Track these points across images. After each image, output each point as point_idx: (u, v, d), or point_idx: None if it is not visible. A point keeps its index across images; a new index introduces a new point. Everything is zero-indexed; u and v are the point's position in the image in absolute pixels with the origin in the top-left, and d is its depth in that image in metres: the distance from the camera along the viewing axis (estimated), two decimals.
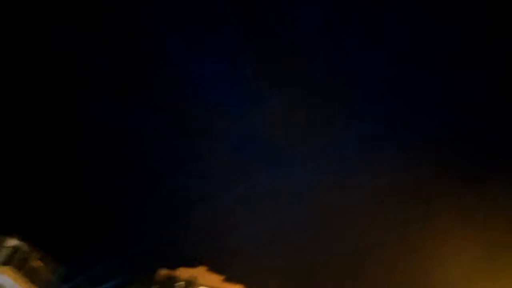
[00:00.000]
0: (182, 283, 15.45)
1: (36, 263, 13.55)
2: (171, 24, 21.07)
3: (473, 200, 20.26)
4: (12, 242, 12.72)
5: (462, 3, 20.33)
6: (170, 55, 20.92)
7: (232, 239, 17.91)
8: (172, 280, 15.40)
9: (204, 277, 16.14)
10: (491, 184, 20.07)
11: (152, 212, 16.79)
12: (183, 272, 15.99)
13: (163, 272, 16.08)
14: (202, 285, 15.86)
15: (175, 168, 18.40)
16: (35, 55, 19.31)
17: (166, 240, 16.87)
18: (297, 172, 20.12)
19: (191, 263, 15.69)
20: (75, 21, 18.89)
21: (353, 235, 19.62)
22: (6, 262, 12.39)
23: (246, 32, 19.82)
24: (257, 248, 18.16)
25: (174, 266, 15.55)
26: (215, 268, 16.42)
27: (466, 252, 19.30)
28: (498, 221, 19.55)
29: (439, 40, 22.43)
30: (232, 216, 18.28)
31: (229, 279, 16.46)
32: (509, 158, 20.55)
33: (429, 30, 21.70)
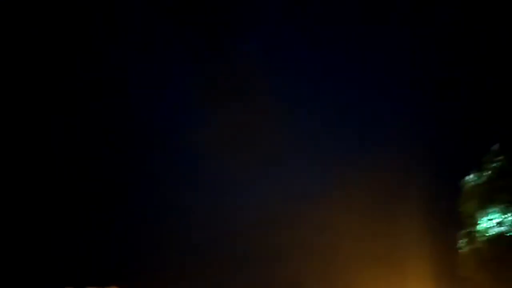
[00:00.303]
0: None
1: None
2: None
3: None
4: None
5: None
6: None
7: (149, 260, 17.89)
8: None
9: None
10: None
11: (61, 226, 16.49)
12: None
13: None
14: None
15: (100, 179, 18.58)
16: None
17: (76, 257, 16.60)
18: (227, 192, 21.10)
19: (102, 283, 15.71)
20: None
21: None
22: None
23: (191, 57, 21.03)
24: (178, 270, 18.20)
25: (82, 285, 15.48)
26: None
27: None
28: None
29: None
30: (153, 236, 18.33)
31: None
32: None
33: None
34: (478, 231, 15.99)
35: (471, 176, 17.08)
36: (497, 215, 15.52)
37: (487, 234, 15.58)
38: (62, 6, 20.68)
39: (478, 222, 16.12)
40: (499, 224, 15.30)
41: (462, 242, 16.40)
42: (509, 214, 15.11)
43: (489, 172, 16.31)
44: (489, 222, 15.68)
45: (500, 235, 15.20)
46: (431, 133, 22.07)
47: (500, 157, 15.88)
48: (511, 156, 15.65)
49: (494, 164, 16.14)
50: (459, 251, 16.39)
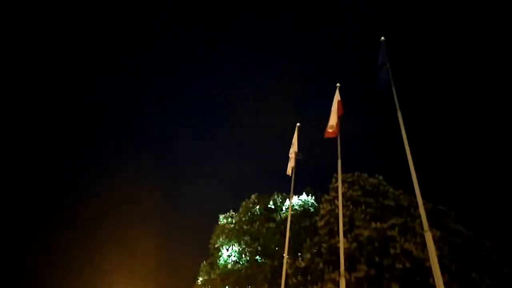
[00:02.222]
0: None
1: None
2: None
3: None
4: None
5: None
6: None
7: None
8: None
9: None
10: None
11: None
12: None
13: None
14: None
15: None
16: None
17: None
18: None
19: None
20: None
21: None
22: None
23: None
24: None
25: None
26: None
27: None
28: None
29: None
30: None
31: None
32: None
33: None
34: (218, 264, 17.97)
35: (226, 214, 19.34)
36: (236, 253, 17.93)
37: (223, 268, 17.67)
38: None
39: (220, 255, 18.17)
40: (235, 262, 17.67)
41: (201, 272, 17.96)
42: (245, 255, 17.67)
43: (242, 215, 18.90)
44: (228, 258, 17.91)
45: (231, 272, 17.50)
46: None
47: (255, 206, 18.71)
48: (262, 208, 18.65)
49: (248, 210, 18.86)
50: (197, 281, 17.80)
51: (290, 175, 11.04)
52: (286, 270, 14.47)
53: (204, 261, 18.18)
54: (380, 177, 16.31)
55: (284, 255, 10.63)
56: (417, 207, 10.35)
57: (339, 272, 10.07)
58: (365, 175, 16.20)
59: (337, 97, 11.16)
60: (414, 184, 7.66)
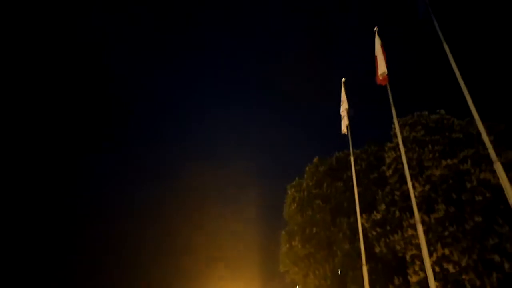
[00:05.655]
0: None
1: None
2: None
3: None
4: None
5: None
6: None
7: None
8: None
9: None
10: None
11: None
12: None
13: None
14: None
15: None
16: None
17: None
18: None
19: None
20: None
21: None
22: None
23: None
24: None
25: None
26: None
27: None
28: None
29: None
30: None
31: None
32: None
33: None
34: (295, 231, 18.49)
35: (293, 183, 19.66)
36: (310, 217, 18.25)
37: (301, 234, 18.15)
38: None
39: (295, 223, 18.64)
40: (312, 225, 18.03)
41: (282, 242, 18.63)
42: (320, 218, 17.94)
43: (308, 181, 19.11)
44: (304, 224, 18.31)
45: (311, 236, 17.91)
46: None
47: (319, 169, 18.81)
48: (326, 169, 18.70)
49: (313, 175, 19.02)
50: (280, 250, 18.54)
51: (346, 133, 10.93)
52: (363, 224, 14.58)
53: (281, 232, 18.78)
54: (442, 111, 15.56)
55: (356, 210, 10.72)
56: (488, 133, 9.81)
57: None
58: (425, 113, 15.54)
59: (378, 41, 10.70)
60: (472, 111, 7.27)
